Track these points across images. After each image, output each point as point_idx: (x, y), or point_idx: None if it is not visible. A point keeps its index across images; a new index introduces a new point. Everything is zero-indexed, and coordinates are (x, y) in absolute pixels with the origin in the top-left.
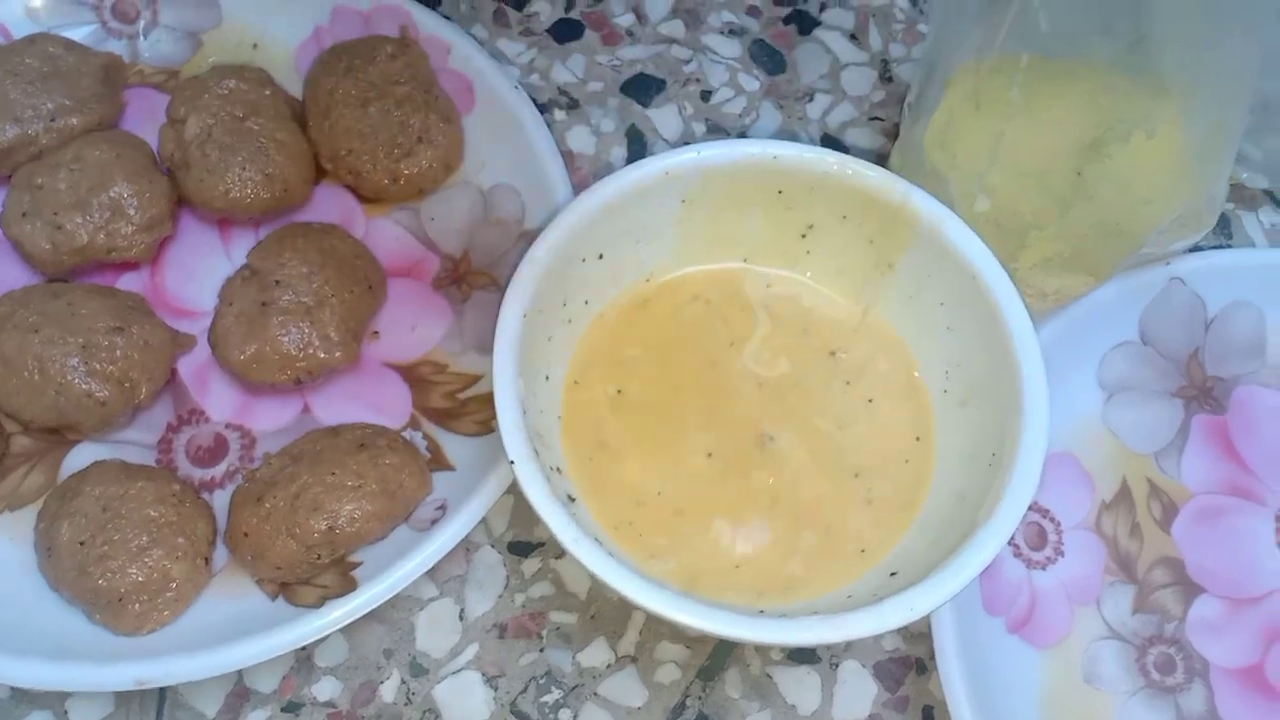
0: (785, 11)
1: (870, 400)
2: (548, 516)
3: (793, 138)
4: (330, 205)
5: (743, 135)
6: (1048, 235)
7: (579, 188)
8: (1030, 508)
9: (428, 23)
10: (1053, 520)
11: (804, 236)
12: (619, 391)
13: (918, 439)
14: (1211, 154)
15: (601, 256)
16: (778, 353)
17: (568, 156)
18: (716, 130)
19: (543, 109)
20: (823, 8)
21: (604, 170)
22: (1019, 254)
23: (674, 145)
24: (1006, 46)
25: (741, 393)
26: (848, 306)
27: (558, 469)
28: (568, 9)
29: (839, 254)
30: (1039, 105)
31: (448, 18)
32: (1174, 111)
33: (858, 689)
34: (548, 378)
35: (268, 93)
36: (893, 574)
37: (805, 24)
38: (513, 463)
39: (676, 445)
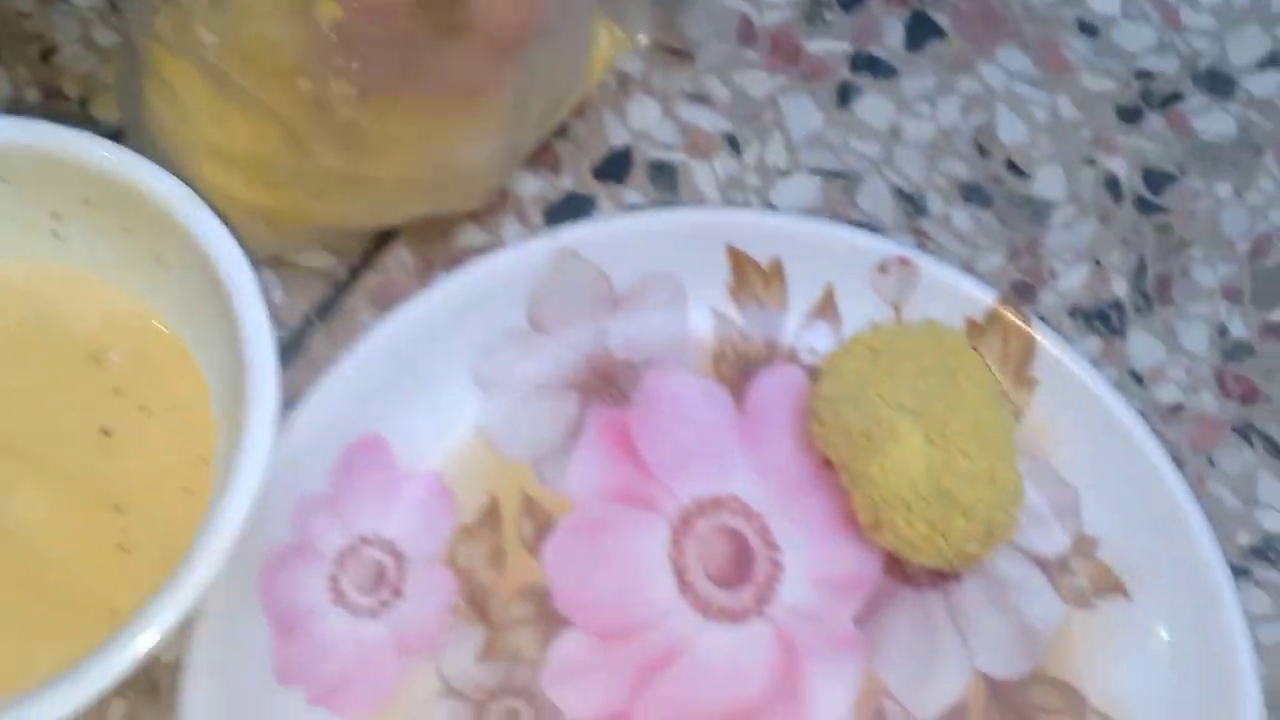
0: None
1: (146, 411)
2: None
3: None
4: None
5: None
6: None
7: None
8: (369, 543)
9: None
10: (396, 555)
11: (55, 233)
12: None
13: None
14: None
15: None
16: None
17: None
18: None
19: None
20: None
21: None
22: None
23: None
24: None
25: None
26: (121, 305)
27: None
28: None
29: (98, 246)
30: None
31: None
32: None
33: None
34: None
35: None
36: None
37: None
38: None
39: None
